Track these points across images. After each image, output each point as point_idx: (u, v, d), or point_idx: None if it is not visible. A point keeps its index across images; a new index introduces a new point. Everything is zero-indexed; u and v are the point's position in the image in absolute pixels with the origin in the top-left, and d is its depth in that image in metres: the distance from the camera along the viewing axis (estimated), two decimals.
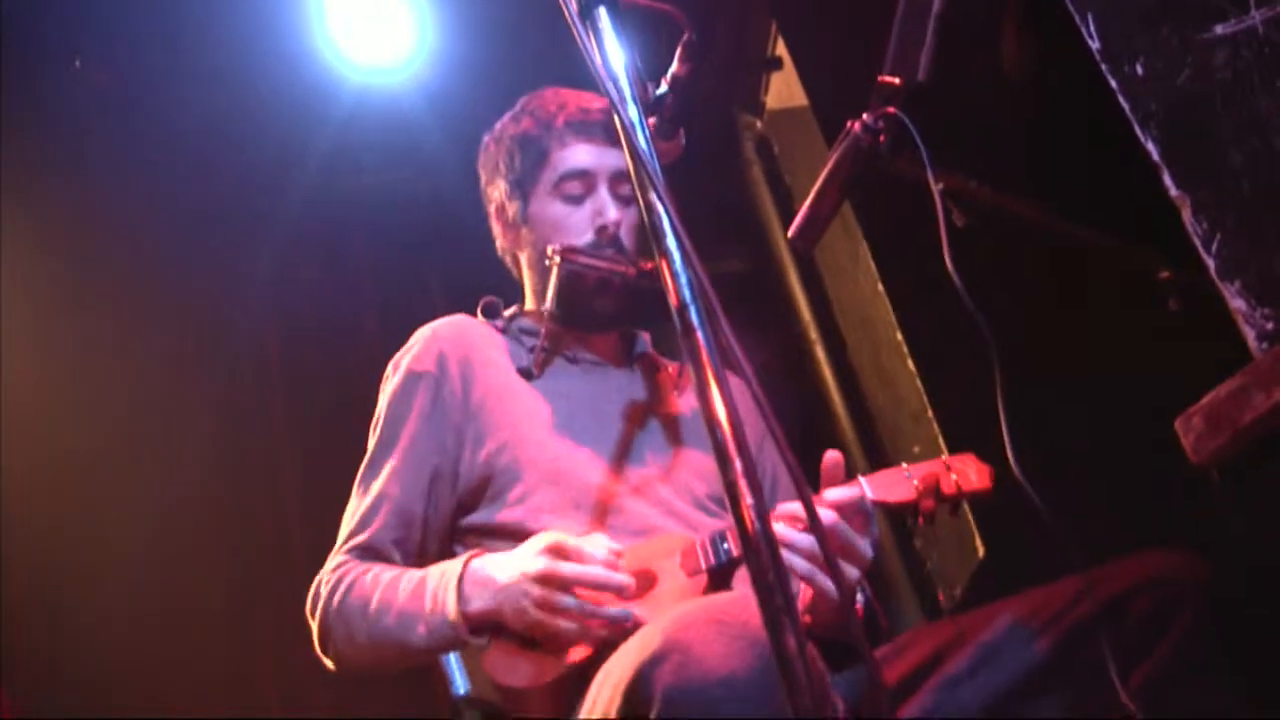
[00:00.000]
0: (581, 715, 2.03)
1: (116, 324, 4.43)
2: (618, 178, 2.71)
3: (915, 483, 2.35)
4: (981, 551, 3.97)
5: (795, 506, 2.25)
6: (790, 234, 2.18)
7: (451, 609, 2.26)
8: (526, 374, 2.66)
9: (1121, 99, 1.86)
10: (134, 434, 4.36)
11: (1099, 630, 2.08)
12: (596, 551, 2.22)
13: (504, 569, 2.26)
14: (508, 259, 2.92)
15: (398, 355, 2.73)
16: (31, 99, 4.28)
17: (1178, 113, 1.82)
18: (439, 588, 2.31)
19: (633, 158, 1.60)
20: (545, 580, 2.19)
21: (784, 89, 4.72)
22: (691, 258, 1.52)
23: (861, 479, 2.37)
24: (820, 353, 4.73)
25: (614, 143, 2.68)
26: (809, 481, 1.81)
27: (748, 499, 1.42)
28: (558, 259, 2.59)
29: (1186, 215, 1.79)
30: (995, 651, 2.19)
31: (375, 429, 2.66)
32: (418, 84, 4.66)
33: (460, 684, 2.53)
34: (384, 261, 4.98)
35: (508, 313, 2.84)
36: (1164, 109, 1.83)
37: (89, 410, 4.32)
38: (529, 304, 2.86)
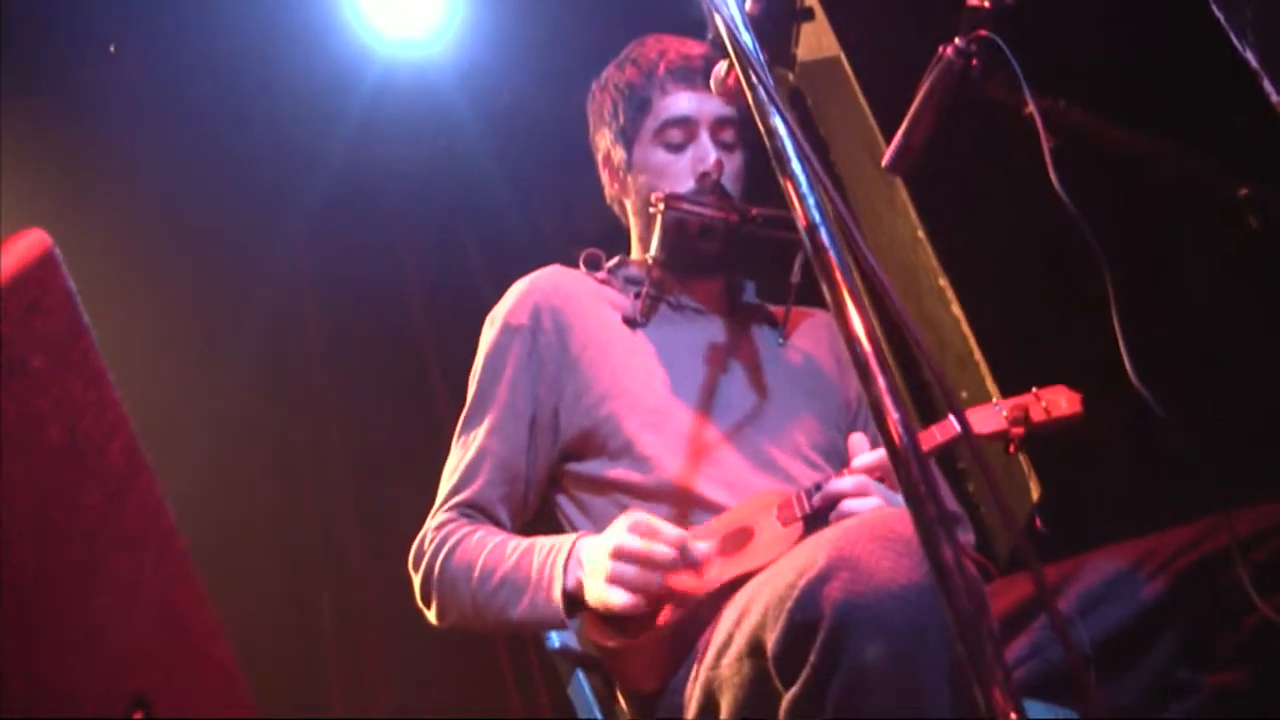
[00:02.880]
0: (718, 642, 2.02)
1: (154, 305, 4.41)
2: (720, 124, 2.71)
3: (1004, 413, 2.37)
4: (1036, 494, 3.97)
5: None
6: (884, 163, 2.18)
7: (557, 592, 2.27)
8: (631, 322, 2.67)
9: (1215, 9, 1.85)
10: (171, 414, 4.34)
11: (1214, 575, 2.10)
12: (669, 531, 2.22)
13: (594, 551, 2.26)
14: (615, 207, 2.94)
15: (495, 309, 2.74)
16: (68, 87, 4.28)
17: (1276, 19, 1.81)
18: (546, 566, 2.31)
19: (750, 84, 1.60)
20: (616, 554, 2.20)
21: (815, 40, 4.68)
22: (821, 178, 1.53)
23: (951, 416, 2.39)
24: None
25: None
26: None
27: (894, 414, 1.42)
28: (661, 205, 2.59)
29: None
30: (1104, 595, 2.20)
31: (473, 383, 2.67)
32: (447, 57, 4.65)
33: (555, 638, 2.54)
34: (420, 232, 4.98)
35: (612, 262, 2.85)
36: (1261, 15, 1.82)
37: (129, 393, 4.31)
38: (634, 252, 2.87)
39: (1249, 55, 1.82)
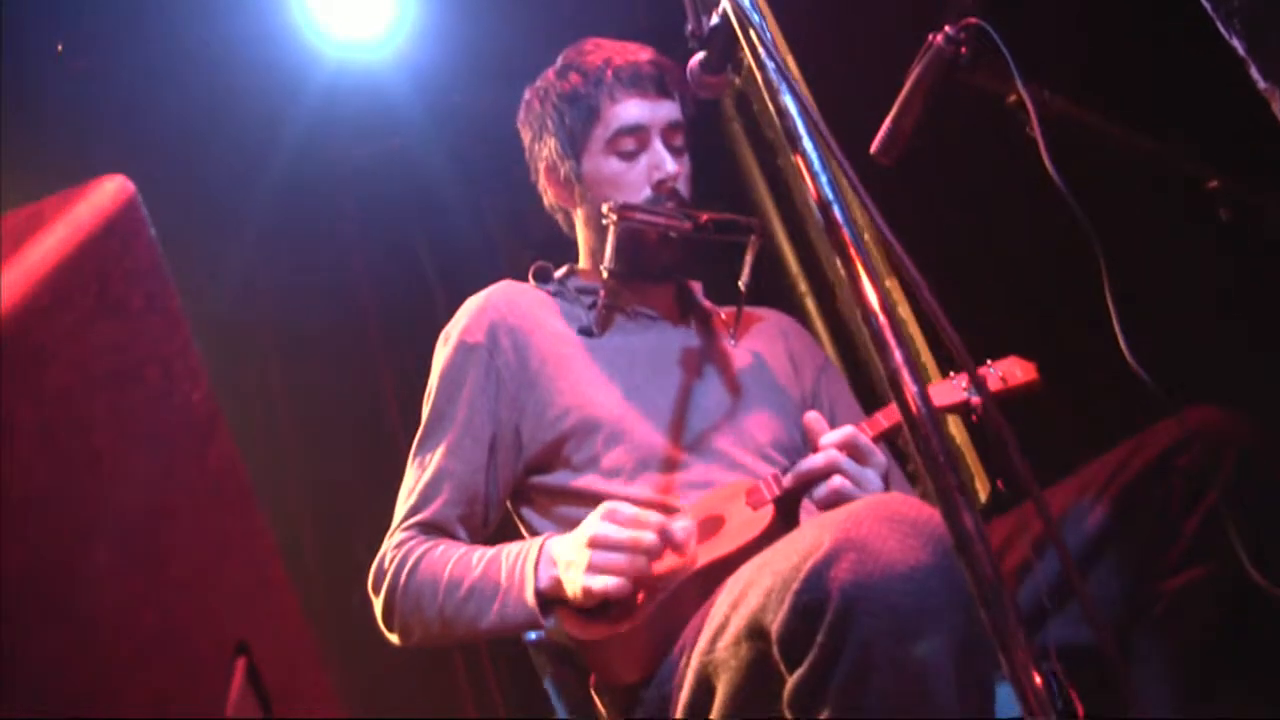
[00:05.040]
0: (712, 626, 2.01)
1: None
2: (671, 129, 2.69)
3: (962, 385, 2.41)
4: (984, 495, 4.01)
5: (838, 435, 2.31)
6: (873, 149, 2.18)
7: (529, 592, 2.25)
8: (587, 332, 2.66)
9: None
10: None
11: (1149, 488, 2.15)
12: (649, 517, 2.21)
13: (566, 547, 2.26)
14: (558, 216, 2.89)
15: (448, 326, 2.71)
16: (9, 89, 4.20)
17: (1262, 6, 1.84)
18: (515, 569, 2.30)
19: (759, 63, 1.61)
20: (595, 543, 2.19)
21: None
22: (835, 153, 1.54)
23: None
24: (810, 305, 4.73)
25: (664, 94, 2.69)
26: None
27: (911, 386, 1.44)
28: (614, 216, 2.54)
29: (1276, 106, 1.81)
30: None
31: (428, 401, 2.64)
32: (397, 58, 4.63)
33: (530, 631, 2.52)
34: (371, 232, 4.95)
35: (560, 272, 2.83)
36: (1247, 3, 1.85)
37: None
38: (582, 261, 2.85)
39: (1235, 43, 1.85)
